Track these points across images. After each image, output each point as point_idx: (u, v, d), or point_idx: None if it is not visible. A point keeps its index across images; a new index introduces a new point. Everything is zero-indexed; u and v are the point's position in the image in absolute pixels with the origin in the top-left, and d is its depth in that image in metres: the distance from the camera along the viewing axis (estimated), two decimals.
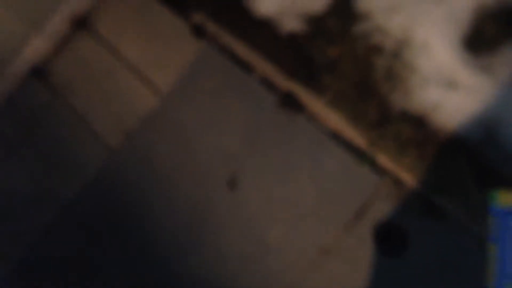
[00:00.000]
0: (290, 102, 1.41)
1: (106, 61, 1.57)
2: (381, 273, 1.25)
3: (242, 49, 1.47)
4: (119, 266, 1.35)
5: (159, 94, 1.49)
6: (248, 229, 1.32)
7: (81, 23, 1.59)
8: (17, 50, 1.53)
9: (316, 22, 1.43)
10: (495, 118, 1.21)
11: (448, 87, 1.27)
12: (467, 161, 1.22)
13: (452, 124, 1.25)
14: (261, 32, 1.47)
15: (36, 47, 1.54)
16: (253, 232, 1.32)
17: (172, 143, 1.41)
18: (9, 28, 1.52)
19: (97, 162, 1.47)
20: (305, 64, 1.43)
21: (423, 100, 1.28)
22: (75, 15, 1.58)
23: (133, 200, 1.40)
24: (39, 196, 1.50)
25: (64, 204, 1.46)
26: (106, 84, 1.55)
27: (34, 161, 1.53)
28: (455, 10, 1.30)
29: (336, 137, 1.36)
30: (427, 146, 1.27)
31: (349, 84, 1.37)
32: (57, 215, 1.44)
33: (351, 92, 1.36)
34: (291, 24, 1.44)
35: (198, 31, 1.51)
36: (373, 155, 1.31)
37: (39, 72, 1.57)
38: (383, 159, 1.30)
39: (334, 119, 1.36)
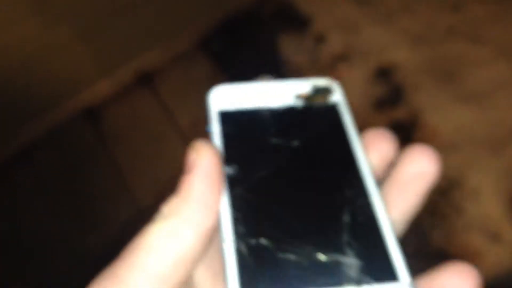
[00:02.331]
0: None
1: (159, 121, 1.58)
2: None
3: None
4: None
5: None
6: None
7: (145, 79, 1.62)
8: (79, 87, 1.56)
9: None
10: None
11: (491, 239, 1.27)
12: None
13: (488, 277, 1.24)
14: None
15: (97, 90, 1.57)
16: None
17: None
18: (81, 65, 1.56)
19: (124, 217, 1.46)
20: None
21: (463, 245, 1.28)
22: (142, 70, 1.62)
23: None
24: (56, 240, 1.47)
25: (78, 256, 1.42)
26: (153, 143, 1.56)
27: (59, 201, 1.51)
28: (510, 166, 1.33)
29: None
30: None
31: None
32: (75, 263, 1.41)
33: None
34: None
35: None
36: None
37: (91, 114, 1.58)
38: None
39: None
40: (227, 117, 0.32)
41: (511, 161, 1.34)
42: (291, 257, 0.26)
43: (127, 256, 0.28)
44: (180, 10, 1.66)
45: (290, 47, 1.65)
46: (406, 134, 1.44)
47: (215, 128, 0.32)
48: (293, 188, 0.29)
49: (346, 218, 0.29)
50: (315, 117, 0.32)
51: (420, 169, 0.30)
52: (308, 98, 0.33)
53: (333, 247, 0.27)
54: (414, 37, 1.58)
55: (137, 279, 0.26)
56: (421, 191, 0.31)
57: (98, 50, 1.58)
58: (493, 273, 1.25)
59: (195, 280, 0.29)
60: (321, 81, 0.33)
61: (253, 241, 0.26)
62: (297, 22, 1.69)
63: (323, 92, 0.33)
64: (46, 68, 1.56)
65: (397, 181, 0.31)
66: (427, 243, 1.31)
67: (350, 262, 0.27)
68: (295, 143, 0.31)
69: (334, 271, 0.27)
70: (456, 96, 1.46)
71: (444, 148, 1.40)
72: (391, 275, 0.28)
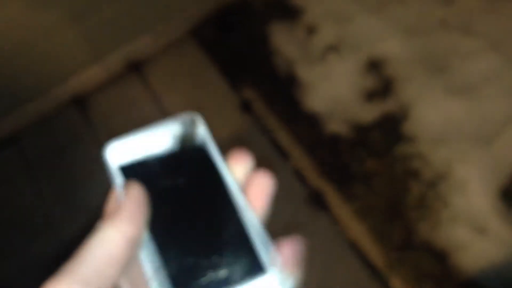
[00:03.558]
0: (317, 200, 1.41)
1: (148, 108, 1.57)
2: None
3: (283, 136, 1.49)
4: None
5: None
6: None
7: (135, 66, 1.61)
8: (68, 73, 1.54)
9: (361, 132, 1.45)
10: None
11: (477, 231, 1.28)
12: None
13: (473, 269, 1.25)
14: (305, 125, 1.49)
15: (86, 77, 1.55)
16: None
17: None
18: (70, 51, 1.54)
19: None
20: (341, 168, 1.44)
21: (449, 237, 1.29)
22: (132, 57, 1.60)
23: None
24: (40, 223, 1.46)
25: (64, 239, 1.42)
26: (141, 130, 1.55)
27: (47, 186, 1.50)
28: (499, 160, 1.33)
29: (354, 248, 1.35)
30: (444, 284, 1.26)
31: (380, 200, 1.37)
32: (55, 249, 1.40)
33: (380, 208, 1.37)
34: (336, 127, 1.47)
35: (246, 107, 1.53)
36: (387, 277, 1.30)
37: (80, 101, 1.57)
38: (397, 284, 1.28)
39: (357, 230, 1.36)
40: (126, 170, 0.39)
41: (499, 154, 1.34)
42: (189, 267, 0.36)
43: (68, 262, 0.34)
44: None
45: (281, 37, 1.64)
46: (396, 127, 1.44)
47: (118, 180, 0.38)
48: (185, 217, 0.38)
49: (224, 234, 0.37)
50: (190, 153, 0.40)
51: (263, 185, 0.40)
52: (181, 139, 0.41)
53: (216, 259, 0.36)
54: (406, 29, 1.58)
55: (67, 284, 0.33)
56: (266, 199, 0.41)
57: (88, 36, 1.56)
58: (478, 265, 1.25)
59: None
60: (187, 118, 0.41)
61: (166, 257, 0.36)
62: (289, 13, 1.68)
63: (190, 128, 0.41)
64: (34, 54, 1.55)
65: (250, 194, 0.40)
66: (415, 234, 1.32)
67: (230, 268, 0.36)
68: (180, 181, 0.39)
69: (219, 278, 0.36)
70: (446, 88, 1.46)
71: (432, 141, 1.41)
72: (261, 270, 0.36)
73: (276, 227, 0.42)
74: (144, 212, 0.36)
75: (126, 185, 0.38)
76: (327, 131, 1.47)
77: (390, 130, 1.44)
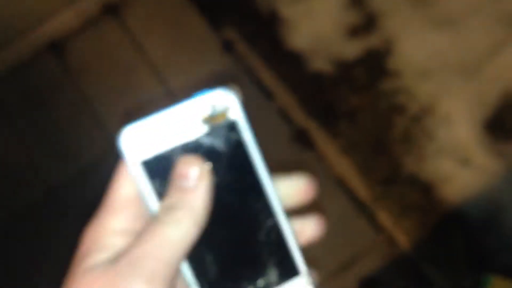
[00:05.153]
0: (302, 139, 1.41)
1: (127, 53, 1.54)
2: None
3: (266, 76, 1.47)
4: None
5: (172, 97, 1.47)
6: None
7: (112, 10, 1.56)
8: (42, 20, 1.49)
9: (345, 68, 1.44)
10: (501, 205, 1.24)
11: (461, 163, 1.29)
12: (465, 241, 1.24)
13: (458, 200, 1.27)
14: (289, 64, 1.48)
15: (61, 22, 1.50)
16: None
17: None
18: None
19: (95, 149, 1.44)
20: (325, 106, 1.43)
21: (434, 169, 1.31)
22: (108, 0, 1.55)
23: None
24: (26, 171, 1.45)
25: (52, 185, 1.41)
26: (121, 75, 1.52)
27: (29, 135, 1.48)
28: (483, 92, 1.33)
29: (340, 184, 1.36)
30: (429, 215, 1.29)
31: (365, 136, 1.38)
32: (43, 195, 1.40)
33: (365, 144, 1.37)
34: (320, 64, 1.45)
35: (228, 47, 1.51)
36: (374, 211, 1.32)
37: (56, 47, 1.53)
38: (383, 217, 1.31)
39: (342, 166, 1.37)
40: (146, 166, 0.34)
41: (484, 86, 1.34)
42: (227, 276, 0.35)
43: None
44: None
45: None
46: (380, 62, 1.43)
47: (141, 178, 0.34)
48: (219, 217, 0.34)
49: (260, 235, 0.36)
50: (219, 140, 0.34)
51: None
52: (209, 120, 0.34)
53: (254, 263, 0.36)
54: None
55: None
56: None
57: None
58: (463, 196, 1.28)
59: None
60: (220, 96, 0.35)
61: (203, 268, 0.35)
62: None
63: (222, 109, 0.34)
64: None
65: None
66: (400, 168, 1.33)
67: (270, 272, 0.36)
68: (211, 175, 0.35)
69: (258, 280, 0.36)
70: (430, 21, 1.44)
71: (417, 75, 1.40)
72: (295, 273, 0.37)
73: None
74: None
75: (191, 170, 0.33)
76: (310, 69, 1.46)
77: (374, 65, 1.43)
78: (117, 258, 0.31)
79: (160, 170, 0.34)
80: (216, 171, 0.34)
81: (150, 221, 0.33)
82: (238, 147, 0.35)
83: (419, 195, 1.30)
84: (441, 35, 1.42)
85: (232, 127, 0.34)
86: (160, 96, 1.47)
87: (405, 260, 1.28)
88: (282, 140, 1.42)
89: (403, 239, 1.29)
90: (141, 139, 0.34)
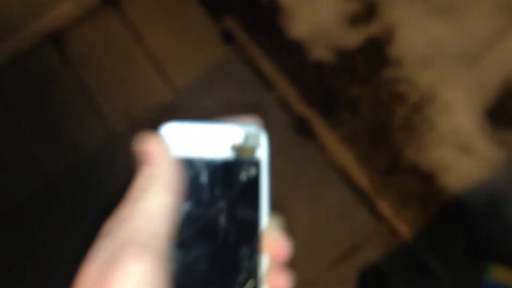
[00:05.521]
0: (303, 128, 1.41)
1: (127, 44, 1.53)
2: None
3: (266, 65, 1.47)
4: None
5: (173, 89, 1.47)
6: None
7: (111, 0, 1.55)
8: (41, 11, 1.49)
9: (345, 57, 1.43)
10: (502, 193, 1.24)
11: (462, 151, 1.29)
12: (465, 230, 1.24)
13: (458, 189, 1.27)
14: (289, 53, 1.47)
15: (61, 13, 1.50)
16: None
17: None
18: None
19: (95, 142, 1.44)
20: (325, 95, 1.43)
21: (435, 158, 1.30)
22: None
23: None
24: (26, 162, 1.45)
25: (48, 175, 1.41)
26: (122, 67, 1.52)
27: (28, 126, 1.48)
28: (484, 80, 1.33)
29: (341, 174, 1.36)
30: (429, 204, 1.29)
31: (366, 126, 1.38)
32: (41, 186, 1.40)
33: (365, 133, 1.37)
34: (320, 53, 1.45)
35: (228, 37, 1.50)
36: (374, 200, 1.32)
37: (56, 38, 1.52)
38: (384, 206, 1.31)
39: (343, 156, 1.37)
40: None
41: (484, 74, 1.34)
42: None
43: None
44: None
45: None
46: (380, 51, 1.42)
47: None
48: (204, 244, 0.36)
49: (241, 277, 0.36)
50: (239, 170, 0.36)
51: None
52: (238, 149, 0.36)
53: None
54: None
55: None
56: None
57: None
58: (463, 184, 1.28)
59: None
60: (255, 131, 0.37)
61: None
62: None
63: (252, 144, 0.37)
64: None
65: None
66: (401, 157, 1.33)
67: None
68: (218, 198, 0.36)
69: None
70: (430, 9, 1.43)
71: (417, 64, 1.39)
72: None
73: None
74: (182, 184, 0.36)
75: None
76: (311, 58, 1.45)
77: (375, 54, 1.42)
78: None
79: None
80: (224, 197, 0.36)
81: (126, 204, 0.34)
82: (253, 184, 0.37)
83: (419, 184, 1.30)
84: (442, 24, 1.41)
85: (255, 164, 0.37)
86: (160, 86, 1.47)
87: (406, 249, 1.28)
88: (283, 129, 1.42)
89: (403, 228, 1.29)
90: (175, 138, 0.36)
